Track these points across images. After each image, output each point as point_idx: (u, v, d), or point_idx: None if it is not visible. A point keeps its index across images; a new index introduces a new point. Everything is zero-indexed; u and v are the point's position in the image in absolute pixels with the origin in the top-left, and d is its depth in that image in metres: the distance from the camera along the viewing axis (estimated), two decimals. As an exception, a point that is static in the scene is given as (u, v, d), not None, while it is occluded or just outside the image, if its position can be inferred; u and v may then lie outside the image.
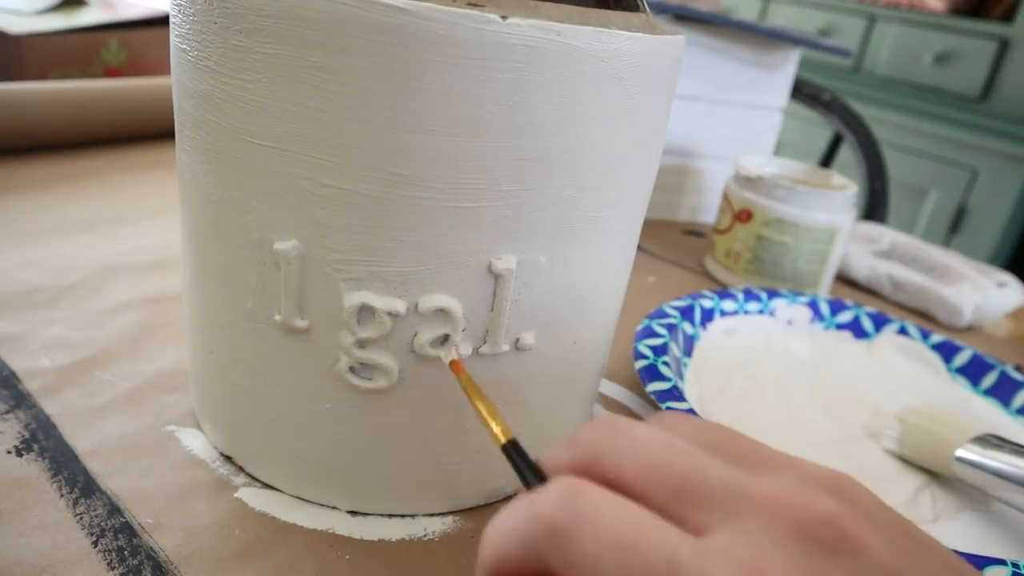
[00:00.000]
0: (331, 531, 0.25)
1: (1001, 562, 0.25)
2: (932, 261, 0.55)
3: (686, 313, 0.40)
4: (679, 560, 0.12)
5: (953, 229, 1.43)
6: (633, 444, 0.14)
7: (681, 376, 0.36)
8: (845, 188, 0.50)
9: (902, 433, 0.34)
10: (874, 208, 0.89)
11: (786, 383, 0.39)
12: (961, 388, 0.41)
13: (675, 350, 0.36)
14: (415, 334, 0.22)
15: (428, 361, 0.23)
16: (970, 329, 0.52)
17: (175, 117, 0.24)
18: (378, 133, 0.20)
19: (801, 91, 0.89)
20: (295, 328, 0.23)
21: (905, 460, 0.34)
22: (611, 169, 0.23)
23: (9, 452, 0.26)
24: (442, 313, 0.22)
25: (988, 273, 0.55)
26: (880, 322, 0.44)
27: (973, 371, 0.41)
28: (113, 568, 0.22)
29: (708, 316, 0.41)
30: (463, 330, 0.23)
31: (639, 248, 0.57)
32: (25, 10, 0.69)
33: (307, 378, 0.23)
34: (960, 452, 0.31)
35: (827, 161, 1.02)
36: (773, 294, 0.44)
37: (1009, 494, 0.29)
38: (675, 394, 0.31)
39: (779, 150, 1.62)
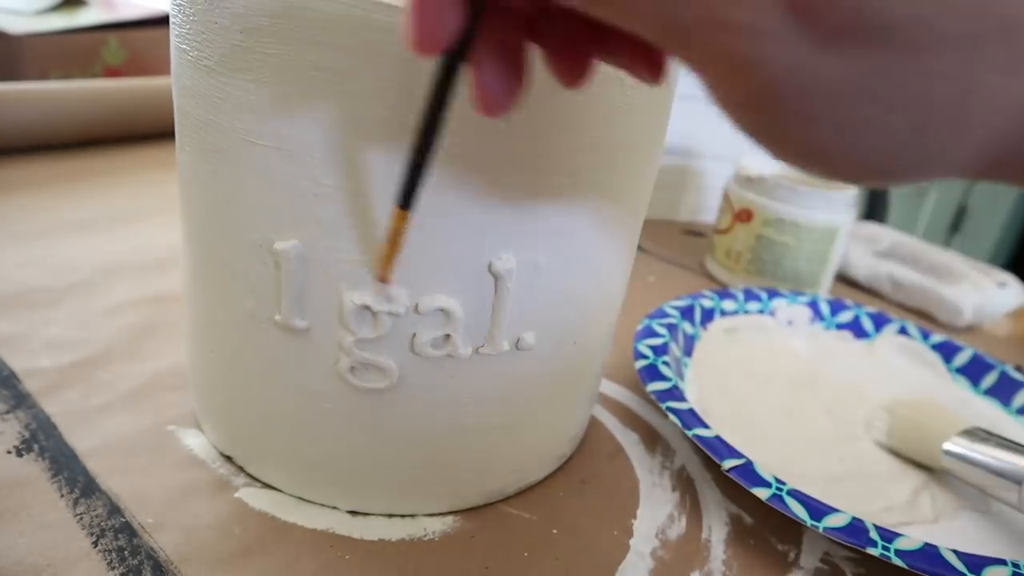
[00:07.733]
0: (331, 531, 0.25)
1: (1001, 562, 0.25)
2: (932, 261, 0.55)
3: (686, 313, 0.40)
4: None
5: (953, 229, 1.43)
6: None
7: (681, 376, 0.36)
8: (845, 188, 0.50)
9: (891, 425, 0.34)
10: (874, 208, 0.89)
11: (786, 383, 0.39)
12: (961, 388, 0.41)
13: (675, 350, 0.36)
14: (415, 334, 0.22)
15: (428, 361, 0.23)
16: (970, 329, 0.52)
17: (175, 117, 0.24)
18: (378, 133, 0.20)
19: (801, 91, 0.89)
20: (295, 328, 0.23)
21: (896, 453, 0.34)
22: (611, 169, 0.23)
23: (9, 452, 0.26)
24: (442, 313, 0.22)
25: (988, 273, 0.55)
26: (880, 322, 0.44)
27: (973, 371, 0.41)
28: (113, 568, 0.22)
29: (708, 316, 0.41)
30: (463, 330, 0.23)
31: (639, 248, 0.57)
32: (25, 10, 0.69)
33: (307, 378, 0.23)
34: (948, 445, 0.31)
35: (827, 161, 1.02)
36: (773, 294, 0.44)
37: (997, 488, 0.29)
38: (675, 394, 0.31)
39: (779, 150, 1.61)
